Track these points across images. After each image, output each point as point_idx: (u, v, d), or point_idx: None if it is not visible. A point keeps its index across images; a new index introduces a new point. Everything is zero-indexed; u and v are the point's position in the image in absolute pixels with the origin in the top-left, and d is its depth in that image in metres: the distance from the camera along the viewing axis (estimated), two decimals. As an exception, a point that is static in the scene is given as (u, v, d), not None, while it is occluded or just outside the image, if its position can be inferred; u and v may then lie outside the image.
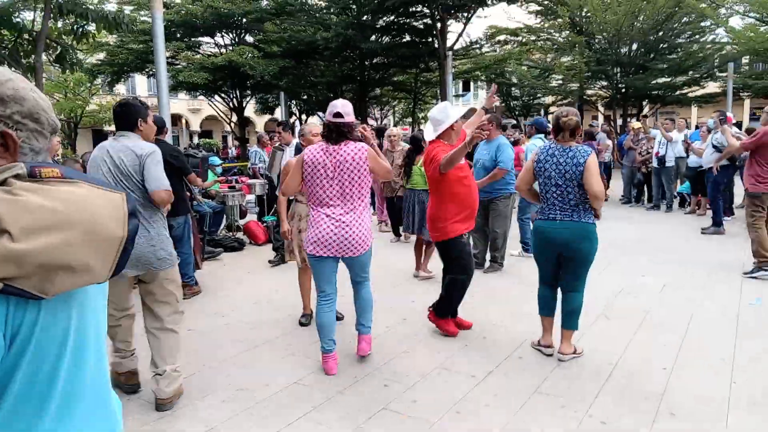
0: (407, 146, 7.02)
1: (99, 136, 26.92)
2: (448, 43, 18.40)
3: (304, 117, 25.19)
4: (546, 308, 3.99)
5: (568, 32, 22.50)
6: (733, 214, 9.47)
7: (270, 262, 6.86)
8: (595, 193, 3.58)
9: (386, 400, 3.34)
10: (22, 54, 9.66)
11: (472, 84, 36.40)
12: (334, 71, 19.49)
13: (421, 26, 18.98)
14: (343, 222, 3.51)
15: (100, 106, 26.65)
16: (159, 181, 3.20)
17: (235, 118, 22.20)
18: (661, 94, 23.71)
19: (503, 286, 5.75)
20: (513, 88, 30.04)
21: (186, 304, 5.32)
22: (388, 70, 20.81)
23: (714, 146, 8.33)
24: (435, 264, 5.88)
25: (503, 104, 31.95)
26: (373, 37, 18.89)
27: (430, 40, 18.43)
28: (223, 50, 18.96)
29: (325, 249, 3.54)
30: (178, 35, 18.90)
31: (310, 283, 4.64)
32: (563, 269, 3.85)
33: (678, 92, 23.64)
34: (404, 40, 19.06)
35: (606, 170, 11.87)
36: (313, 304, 4.68)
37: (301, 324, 4.66)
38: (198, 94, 21.14)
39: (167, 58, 17.92)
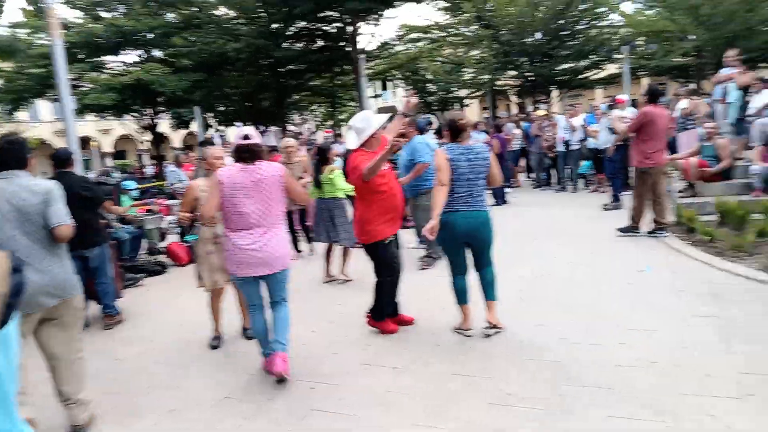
0: (304, 156, 7.27)
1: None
2: (361, 46, 18.69)
3: (222, 128, 24.78)
4: (465, 297, 4.35)
5: (476, 26, 23.35)
6: (630, 188, 10.28)
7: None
8: (500, 178, 4.40)
9: (314, 401, 3.52)
10: None
11: (389, 83, 36.96)
12: (249, 81, 19.31)
13: (333, 30, 19.15)
14: (264, 240, 3.65)
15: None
16: (61, 218, 3.22)
17: (150, 136, 21.53)
18: (566, 79, 25.02)
19: (426, 279, 6.03)
20: (428, 84, 30.84)
21: (111, 334, 5.33)
22: (304, 76, 20.83)
23: (609, 128, 9.04)
24: (354, 268, 6.11)
25: (421, 101, 32.74)
26: (285, 45, 18.87)
27: (342, 44, 18.63)
28: (132, 68, 18.32)
29: (248, 269, 3.67)
30: (81, 56, 18.11)
31: (220, 305, 4.78)
32: (474, 254, 4.34)
33: (581, 76, 25.08)
34: (317, 45, 19.14)
35: (515, 158, 12.51)
36: (230, 325, 4.89)
37: (212, 347, 4.66)
38: (107, 115, 20.30)
39: (71, 80, 17.24)
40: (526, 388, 3.40)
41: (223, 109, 21.96)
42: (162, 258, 8.21)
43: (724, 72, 8.74)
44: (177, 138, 38.76)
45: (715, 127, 8.15)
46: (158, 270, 7.64)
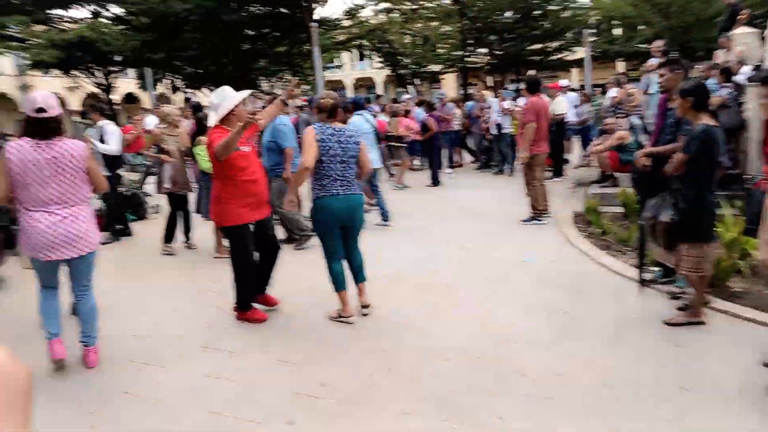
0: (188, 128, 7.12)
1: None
2: (318, 13, 18.26)
3: (191, 91, 24.24)
4: (343, 282, 4.21)
5: (447, 1, 23.01)
6: (561, 175, 10.30)
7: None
8: (369, 166, 4.35)
9: (128, 384, 3.43)
10: None
11: (359, 53, 36.40)
12: (204, 44, 18.78)
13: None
14: (64, 218, 3.34)
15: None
16: None
17: (113, 96, 20.90)
18: (537, 60, 24.87)
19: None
20: (401, 57, 30.46)
21: None
22: (258, 43, 20.32)
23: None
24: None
25: (392, 74, 32.33)
26: (234, 7, 18.22)
27: (295, 10, 18.16)
28: (78, 25, 17.66)
29: (49, 252, 3.35)
30: (28, 8, 17.39)
31: None
32: (346, 238, 4.24)
33: (552, 57, 24.96)
34: (266, 10, 18.57)
35: (456, 139, 12.42)
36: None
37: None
38: (48, 71, 19.61)
39: (15, 34, 16.64)
40: (343, 377, 3.36)
41: (190, 72, 21.43)
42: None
43: (650, 62, 8.68)
44: (148, 100, 37.81)
45: (613, 123, 8.27)
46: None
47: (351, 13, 20.95)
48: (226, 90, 4.22)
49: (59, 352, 3.58)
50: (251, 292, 4.36)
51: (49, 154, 3.29)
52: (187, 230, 6.76)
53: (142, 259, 6.45)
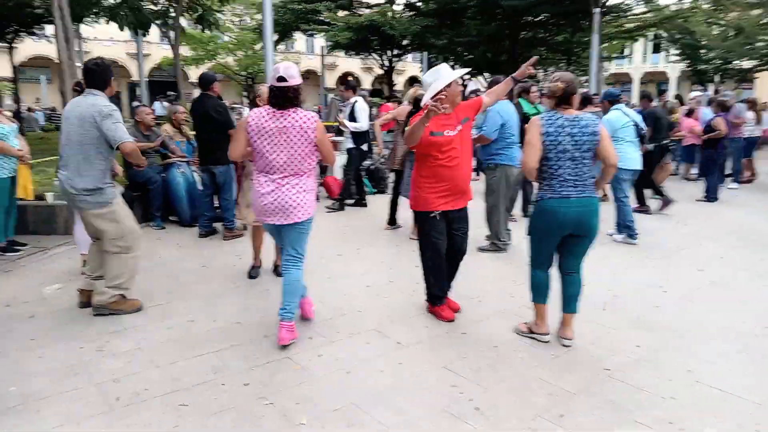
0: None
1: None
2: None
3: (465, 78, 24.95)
4: (545, 294, 3.64)
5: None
6: None
7: (327, 208, 7.60)
8: (614, 163, 3.46)
9: (289, 351, 3.46)
10: (172, 17, 11.03)
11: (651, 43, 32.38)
12: (481, 31, 18.79)
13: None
14: (284, 186, 3.41)
15: (274, 62, 29.00)
16: (120, 138, 3.72)
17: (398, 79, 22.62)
18: None
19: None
20: (702, 51, 26.37)
21: (223, 245, 5.93)
22: (540, 30, 19.49)
23: None
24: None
25: (691, 68, 28.22)
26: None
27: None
28: (371, 9, 19.33)
29: (270, 217, 3.48)
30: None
31: (261, 239, 4.88)
32: (568, 250, 3.56)
33: None
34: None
35: (749, 147, 10.06)
36: (266, 258, 4.95)
37: (250, 276, 4.86)
38: (353, 53, 21.87)
39: (324, 18, 19.04)
40: (505, 409, 2.84)
41: (468, 58, 21.93)
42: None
43: None
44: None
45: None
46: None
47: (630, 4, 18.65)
48: (441, 69, 3.87)
49: (282, 338, 3.55)
50: (439, 285, 4.03)
51: (282, 123, 3.36)
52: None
53: (362, 231, 6.67)
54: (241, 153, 3.54)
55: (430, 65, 28.58)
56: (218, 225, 6.38)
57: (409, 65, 39.44)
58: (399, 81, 45.27)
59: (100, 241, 3.97)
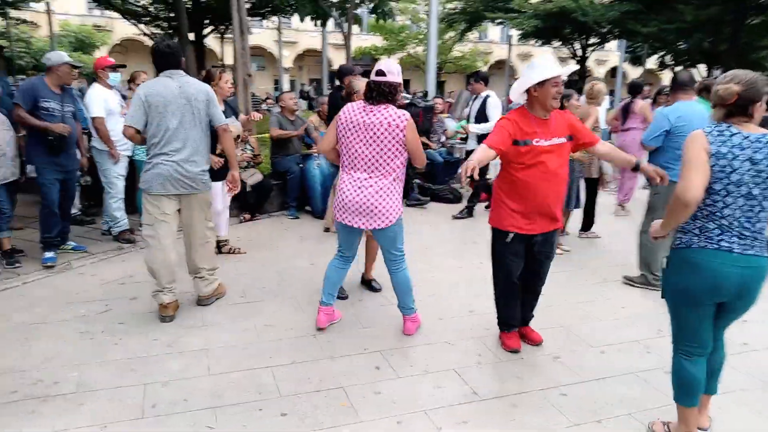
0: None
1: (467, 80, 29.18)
2: None
3: (680, 68, 22.00)
4: (694, 395, 2.54)
5: None
6: None
7: (454, 216, 6.93)
8: None
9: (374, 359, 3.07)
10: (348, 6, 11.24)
11: None
12: (697, 16, 16.10)
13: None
14: (368, 187, 3.27)
15: (462, 53, 28.72)
16: (223, 119, 3.83)
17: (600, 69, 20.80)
18: None
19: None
20: None
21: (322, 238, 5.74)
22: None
23: None
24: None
25: None
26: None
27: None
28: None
29: (348, 216, 3.36)
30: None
31: (374, 249, 4.42)
32: (716, 319, 2.51)
33: None
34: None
35: None
36: (373, 272, 4.53)
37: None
38: (539, 41, 20.54)
39: (513, 6, 18.05)
40: None
41: (680, 46, 19.23)
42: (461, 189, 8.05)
43: None
44: (634, 74, 36.85)
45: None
46: (450, 198, 7.68)
47: None
48: (541, 60, 3.13)
49: (320, 320, 3.65)
50: (510, 313, 3.46)
51: (371, 119, 3.23)
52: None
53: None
54: (329, 146, 3.47)
55: (635, 57, 25.83)
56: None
57: (613, 55, 36.17)
58: (600, 72, 41.93)
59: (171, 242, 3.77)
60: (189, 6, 14.27)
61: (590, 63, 41.00)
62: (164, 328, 3.65)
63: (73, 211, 5.99)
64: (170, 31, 13.96)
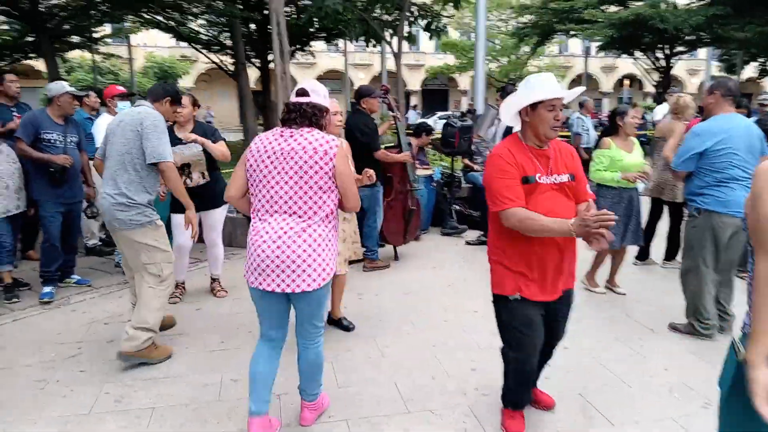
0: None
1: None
2: None
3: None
4: None
5: None
6: None
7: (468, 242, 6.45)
8: None
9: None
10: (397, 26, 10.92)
11: None
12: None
13: None
14: (288, 235, 2.44)
15: (539, 68, 27.61)
16: (157, 155, 3.30)
17: (657, 77, 19.33)
18: None
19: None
20: None
21: (355, 277, 5.25)
22: None
23: None
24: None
25: None
26: None
27: None
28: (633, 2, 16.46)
29: (264, 278, 2.48)
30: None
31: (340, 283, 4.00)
32: None
33: None
34: None
35: None
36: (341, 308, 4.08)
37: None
38: (618, 52, 19.20)
39: (584, 16, 16.98)
40: None
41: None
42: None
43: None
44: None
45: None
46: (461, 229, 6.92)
47: None
48: (538, 78, 2.48)
49: (305, 419, 2.85)
50: (517, 393, 2.74)
51: (289, 145, 2.46)
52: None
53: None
54: (239, 192, 2.60)
55: (730, 65, 23.59)
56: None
57: (705, 63, 33.57)
58: (693, 83, 39.04)
59: None
60: (255, 35, 14.65)
61: (681, 73, 38.51)
62: (122, 378, 3.33)
63: (93, 241, 5.96)
64: (233, 59, 14.30)
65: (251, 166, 2.53)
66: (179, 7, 12.59)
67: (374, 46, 13.49)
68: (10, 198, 4.62)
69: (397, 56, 11.14)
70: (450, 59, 30.09)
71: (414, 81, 42.59)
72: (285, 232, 2.44)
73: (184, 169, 4.39)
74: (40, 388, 3.22)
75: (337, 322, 4.03)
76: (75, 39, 15.12)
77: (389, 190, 5.62)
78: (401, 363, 3.49)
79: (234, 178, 2.60)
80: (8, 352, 3.72)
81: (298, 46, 17.64)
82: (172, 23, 14.27)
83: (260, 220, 2.52)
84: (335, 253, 2.58)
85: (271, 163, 2.47)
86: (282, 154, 2.46)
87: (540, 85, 2.43)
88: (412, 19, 11.44)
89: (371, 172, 3.65)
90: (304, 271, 2.43)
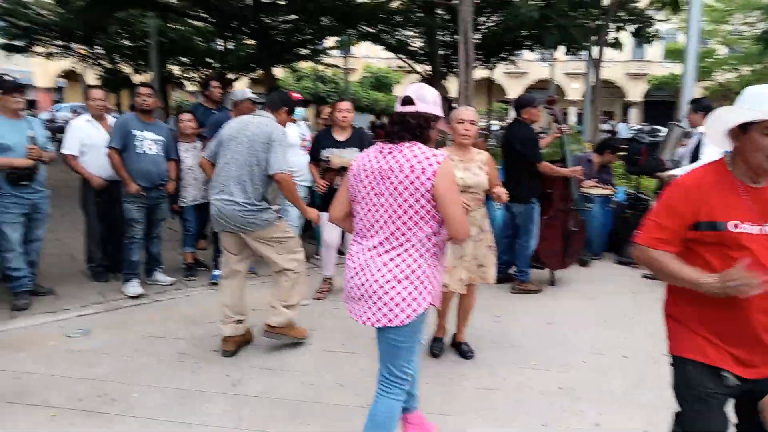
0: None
1: None
2: None
3: None
4: None
5: None
6: None
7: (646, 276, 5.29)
8: None
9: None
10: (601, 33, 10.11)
11: None
12: None
13: None
14: (372, 262, 2.24)
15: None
16: (276, 166, 3.53)
17: None
18: None
19: None
20: None
21: (502, 298, 4.93)
22: None
23: None
24: None
25: None
26: None
27: None
28: None
29: (350, 305, 2.37)
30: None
31: (447, 304, 3.72)
32: None
33: None
34: None
35: None
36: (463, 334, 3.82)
37: (432, 353, 3.73)
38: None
39: None
40: None
41: None
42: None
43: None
44: None
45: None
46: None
47: None
48: (754, 92, 1.83)
49: None
50: None
51: (388, 163, 2.24)
52: None
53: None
54: (341, 212, 2.46)
55: None
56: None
57: None
58: None
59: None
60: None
61: None
62: (244, 363, 3.58)
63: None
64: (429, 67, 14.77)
65: (352, 186, 2.37)
66: (383, 19, 13.34)
67: (575, 53, 12.68)
68: (199, 188, 5.30)
69: (597, 65, 10.27)
70: (678, 68, 26.87)
71: (635, 91, 39.08)
72: (372, 258, 2.25)
73: (341, 171, 4.57)
74: (180, 361, 3.62)
75: (456, 345, 3.81)
76: (303, 51, 17.09)
77: (548, 206, 5.17)
78: (512, 401, 3.16)
79: (337, 197, 2.48)
80: (171, 323, 4.25)
81: (501, 56, 17.45)
82: (385, 36, 15.26)
83: (356, 242, 2.37)
84: (432, 285, 2.26)
85: (370, 183, 2.28)
86: (380, 173, 2.24)
87: (756, 99, 1.80)
88: (620, 23, 10.46)
89: (502, 190, 3.40)
90: (385, 304, 2.20)
